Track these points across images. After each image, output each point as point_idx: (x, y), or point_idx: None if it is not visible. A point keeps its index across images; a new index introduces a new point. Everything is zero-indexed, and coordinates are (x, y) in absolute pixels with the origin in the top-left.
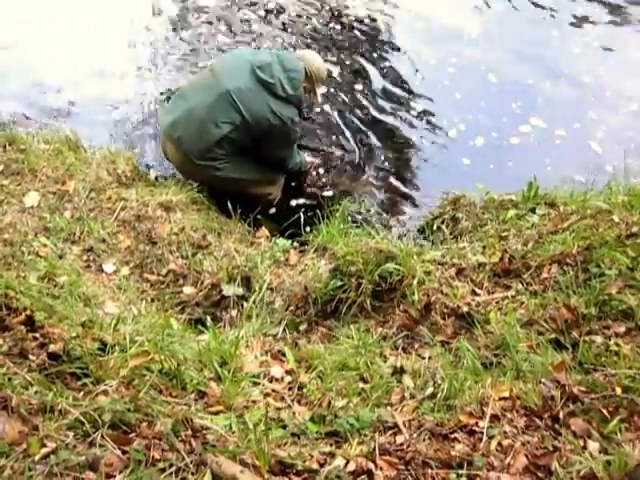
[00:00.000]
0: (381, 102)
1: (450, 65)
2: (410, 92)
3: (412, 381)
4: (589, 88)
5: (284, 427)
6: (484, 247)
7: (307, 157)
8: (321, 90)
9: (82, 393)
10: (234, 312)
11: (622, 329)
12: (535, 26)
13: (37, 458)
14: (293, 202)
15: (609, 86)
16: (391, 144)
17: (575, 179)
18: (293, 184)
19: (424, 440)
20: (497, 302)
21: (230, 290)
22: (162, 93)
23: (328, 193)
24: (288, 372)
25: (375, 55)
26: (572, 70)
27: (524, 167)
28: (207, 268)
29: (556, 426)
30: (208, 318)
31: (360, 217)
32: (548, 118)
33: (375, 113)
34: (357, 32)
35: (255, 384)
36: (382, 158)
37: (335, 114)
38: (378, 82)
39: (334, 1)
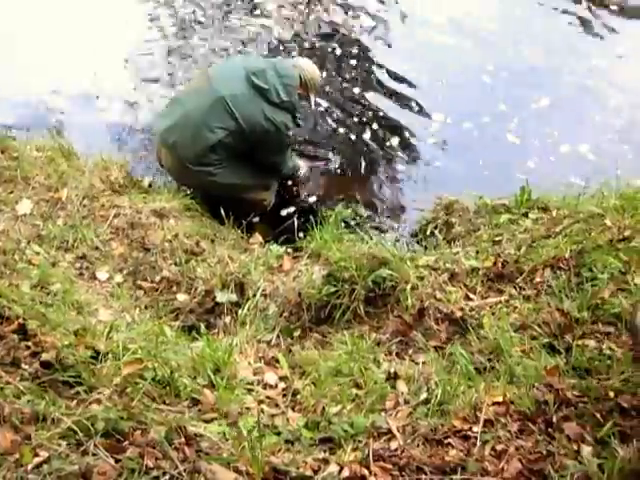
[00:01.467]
0: (375, 107)
1: (448, 67)
2: (404, 97)
3: (406, 386)
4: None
5: (278, 434)
6: (477, 252)
7: (301, 162)
8: (315, 97)
9: (75, 402)
10: (228, 319)
11: (615, 333)
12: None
13: (30, 467)
14: (287, 208)
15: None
16: (385, 149)
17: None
18: (287, 190)
19: (418, 445)
20: (490, 307)
21: (224, 297)
22: None
23: (321, 199)
24: (282, 378)
25: (369, 59)
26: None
27: (518, 172)
28: (201, 275)
29: (550, 430)
30: (202, 325)
31: (354, 223)
32: (547, 123)
33: (369, 118)
34: (349, 35)
35: (249, 391)
36: (376, 163)
37: (328, 120)
38: (372, 87)
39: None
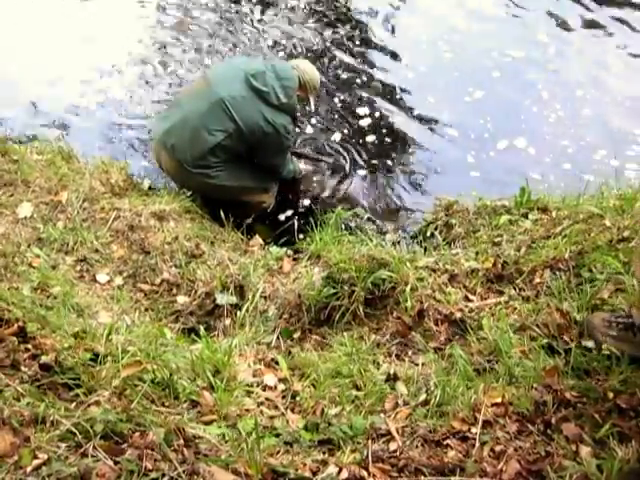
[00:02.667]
0: (374, 109)
1: (447, 69)
2: (404, 98)
3: (405, 388)
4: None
5: (277, 435)
6: (477, 253)
7: (300, 165)
8: (314, 98)
9: (74, 404)
10: (228, 321)
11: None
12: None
13: (29, 470)
14: (286, 210)
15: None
16: (384, 151)
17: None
18: (286, 192)
19: (417, 447)
20: (490, 308)
21: (224, 299)
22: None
23: (321, 200)
24: (281, 380)
25: (368, 60)
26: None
27: (520, 173)
28: (201, 277)
29: (548, 431)
30: (201, 327)
31: (353, 224)
32: (546, 125)
33: (368, 120)
34: (350, 36)
35: (248, 393)
36: (375, 165)
37: (328, 121)
38: (372, 88)
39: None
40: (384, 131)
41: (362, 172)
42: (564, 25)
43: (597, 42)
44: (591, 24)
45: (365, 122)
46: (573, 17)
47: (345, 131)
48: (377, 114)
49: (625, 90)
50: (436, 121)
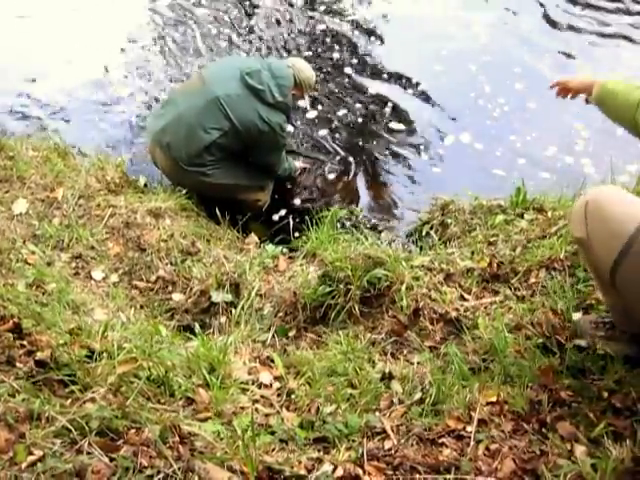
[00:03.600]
0: (370, 107)
1: (444, 69)
2: (400, 97)
3: (400, 386)
4: None
5: (272, 433)
6: (472, 252)
7: (296, 163)
8: (309, 97)
9: (69, 400)
10: (223, 319)
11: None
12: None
13: (24, 466)
14: (282, 208)
15: None
16: (380, 149)
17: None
18: (282, 190)
19: (412, 445)
20: (485, 307)
21: (219, 297)
22: None
23: (317, 199)
24: (277, 378)
25: (365, 59)
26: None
27: (514, 174)
28: (196, 275)
29: (543, 430)
30: (196, 325)
31: (349, 223)
32: (540, 128)
33: (364, 119)
34: (346, 35)
35: (244, 390)
36: (371, 164)
37: (324, 120)
38: (367, 87)
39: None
40: (380, 129)
41: (357, 171)
42: None
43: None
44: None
45: (361, 119)
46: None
47: (340, 129)
48: (374, 112)
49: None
50: (433, 122)
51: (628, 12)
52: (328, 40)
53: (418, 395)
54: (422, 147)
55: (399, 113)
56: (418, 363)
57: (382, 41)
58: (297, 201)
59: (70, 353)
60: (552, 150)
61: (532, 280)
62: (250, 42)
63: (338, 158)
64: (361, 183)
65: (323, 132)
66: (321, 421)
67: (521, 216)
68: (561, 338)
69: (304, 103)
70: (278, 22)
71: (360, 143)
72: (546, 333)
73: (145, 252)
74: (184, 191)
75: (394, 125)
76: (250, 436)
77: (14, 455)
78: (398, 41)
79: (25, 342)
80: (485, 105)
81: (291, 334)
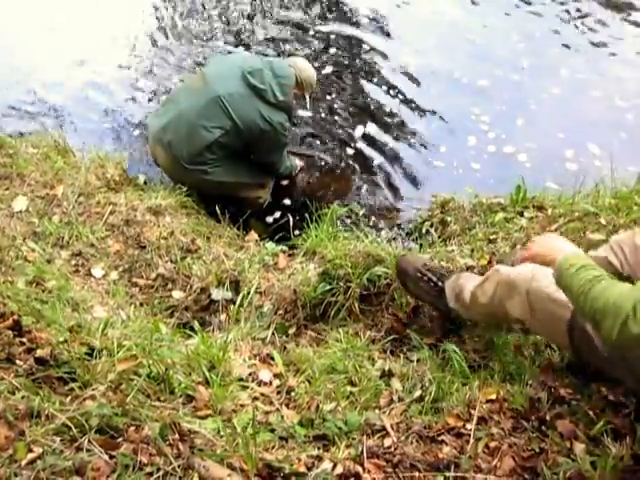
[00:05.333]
0: (370, 106)
1: (444, 68)
2: (400, 95)
3: (400, 384)
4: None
5: (272, 431)
6: (472, 250)
7: (297, 161)
8: (310, 96)
9: (69, 398)
10: (223, 316)
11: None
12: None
13: (24, 463)
14: (282, 206)
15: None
16: (380, 147)
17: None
18: (282, 188)
19: (412, 443)
20: None
21: (219, 294)
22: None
23: (317, 197)
24: (277, 376)
25: (366, 56)
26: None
27: (517, 172)
28: (196, 272)
29: (543, 428)
30: (195, 322)
31: (349, 221)
32: (540, 124)
33: (365, 117)
34: (347, 34)
35: (243, 388)
36: (371, 161)
37: (324, 118)
38: (369, 85)
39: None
40: (380, 127)
41: (358, 168)
42: None
43: None
44: None
45: (361, 117)
46: None
47: (341, 127)
48: (375, 110)
49: None
50: (433, 112)
51: None
52: (329, 38)
53: (418, 393)
54: (422, 144)
55: (399, 109)
56: (418, 361)
57: (384, 37)
58: (297, 199)
59: (70, 350)
60: (554, 150)
61: None
62: (249, 38)
63: (339, 156)
64: (360, 181)
65: (324, 129)
66: (321, 419)
67: (521, 214)
68: None
69: (307, 103)
70: (279, 21)
71: (360, 141)
72: None
73: (145, 249)
74: (184, 189)
75: (394, 122)
76: (250, 433)
77: (14, 452)
78: (399, 37)
79: (25, 339)
80: (486, 103)
81: (291, 332)
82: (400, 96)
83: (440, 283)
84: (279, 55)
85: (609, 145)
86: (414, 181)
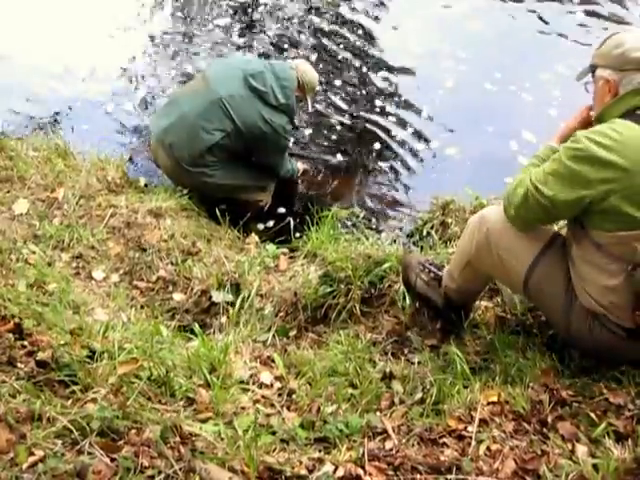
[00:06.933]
0: (371, 108)
1: (445, 71)
2: (401, 98)
3: (401, 386)
4: None
5: (273, 433)
6: None
7: (298, 164)
8: (312, 99)
9: (70, 401)
10: (224, 319)
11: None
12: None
13: (25, 467)
14: (283, 208)
15: None
16: (381, 150)
17: None
18: (283, 190)
19: (413, 445)
20: (486, 306)
21: (220, 296)
22: None
23: (318, 199)
24: (277, 378)
25: (366, 58)
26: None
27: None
28: (197, 275)
29: (544, 430)
30: (196, 325)
31: (350, 223)
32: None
33: (365, 120)
34: (348, 37)
35: (244, 390)
36: (372, 164)
37: (325, 121)
38: (368, 88)
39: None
40: (381, 129)
41: (358, 171)
42: None
43: None
44: None
45: (362, 120)
46: None
47: (342, 129)
48: (375, 112)
49: None
50: (435, 114)
51: None
52: (331, 36)
53: (419, 395)
54: (423, 146)
55: (401, 111)
56: (419, 363)
57: (384, 36)
58: (298, 201)
59: (71, 353)
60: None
61: None
62: (253, 39)
63: (339, 158)
64: (361, 183)
65: (325, 132)
66: (322, 421)
67: None
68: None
69: (308, 106)
70: (283, 19)
71: (360, 143)
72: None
73: (146, 252)
74: (185, 191)
75: (395, 124)
76: (251, 436)
77: (15, 456)
78: (400, 36)
79: (26, 342)
80: (488, 104)
81: (292, 334)
82: (402, 97)
83: (440, 273)
84: (282, 54)
85: None
86: (415, 183)
